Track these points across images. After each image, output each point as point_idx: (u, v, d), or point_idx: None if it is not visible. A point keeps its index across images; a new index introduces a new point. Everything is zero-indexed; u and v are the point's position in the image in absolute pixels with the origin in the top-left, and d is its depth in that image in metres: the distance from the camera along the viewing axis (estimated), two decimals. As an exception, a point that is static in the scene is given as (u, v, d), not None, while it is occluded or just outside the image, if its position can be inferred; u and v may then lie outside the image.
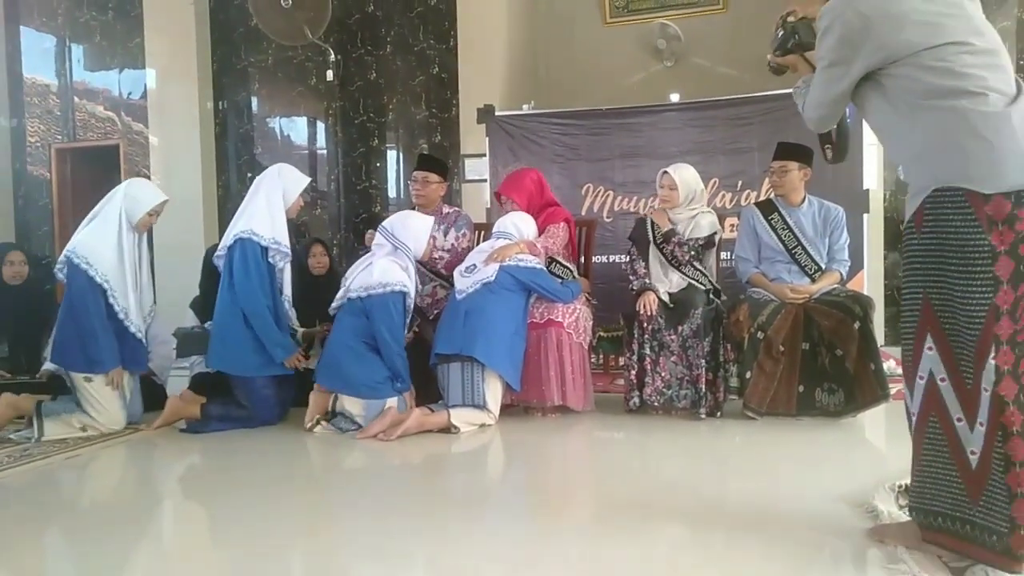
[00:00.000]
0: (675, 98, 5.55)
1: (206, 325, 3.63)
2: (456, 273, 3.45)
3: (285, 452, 3.02)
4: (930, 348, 1.62)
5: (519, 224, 3.54)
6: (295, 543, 2.00)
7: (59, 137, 7.42)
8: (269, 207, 3.34)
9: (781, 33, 1.95)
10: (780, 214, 3.46)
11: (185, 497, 2.67)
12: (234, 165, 7.09)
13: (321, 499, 2.49)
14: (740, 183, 4.84)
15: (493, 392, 3.20)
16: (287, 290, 3.41)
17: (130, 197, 3.27)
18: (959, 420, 1.59)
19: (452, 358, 3.22)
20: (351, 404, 3.19)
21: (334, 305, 3.31)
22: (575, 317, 3.42)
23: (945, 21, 1.64)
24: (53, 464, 2.82)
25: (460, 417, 3.13)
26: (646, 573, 1.76)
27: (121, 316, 3.19)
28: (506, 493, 2.58)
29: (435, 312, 3.67)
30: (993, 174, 1.55)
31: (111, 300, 3.14)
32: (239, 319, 3.25)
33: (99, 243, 3.16)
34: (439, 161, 4.08)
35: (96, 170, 7.48)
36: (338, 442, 3.11)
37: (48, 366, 3.34)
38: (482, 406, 3.17)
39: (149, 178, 6.90)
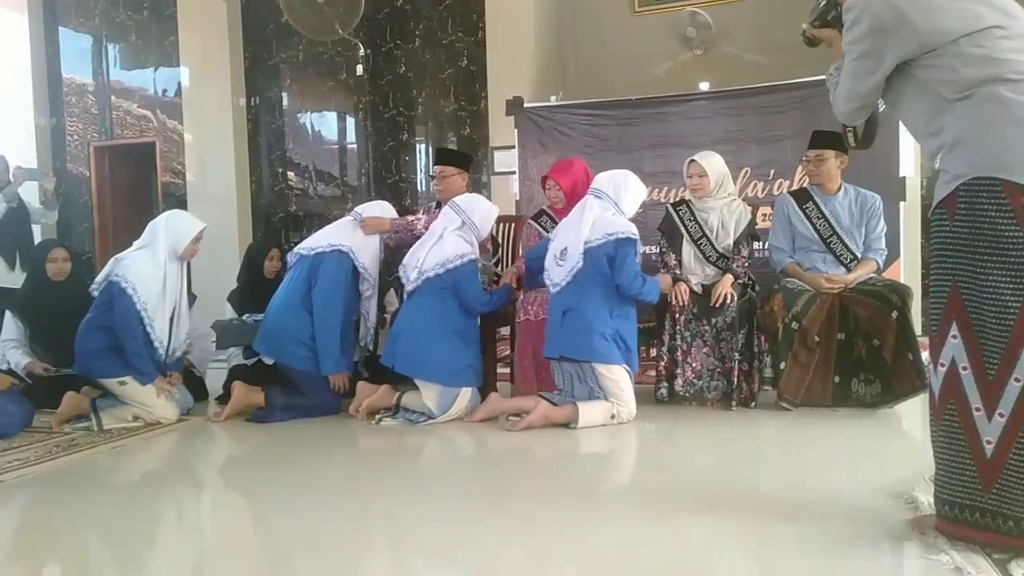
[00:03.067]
0: (705, 87, 5.49)
1: (244, 317, 3.71)
2: (550, 263, 3.16)
3: (346, 441, 3.07)
4: (954, 336, 1.61)
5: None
6: (342, 540, 2.03)
7: (97, 135, 7.58)
8: (366, 237, 3.48)
9: (824, 3, 1.90)
10: (815, 203, 3.42)
11: (227, 487, 2.73)
12: (267, 160, 7.19)
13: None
14: (772, 172, 4.78)
15: (614, 383, 3.02)
16: (373, 318, 3.52)
17: (172, 229, 3.38)
18: (977, 410, 1.59)
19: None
20: (416, 398, 3.15)
21: (409, 287, 3.26)
22: None
23: (978, 7, 1.61)
24: (99, 453, 2.90)
25: (587, 412, 3.01)
26: (680, 564, 1.76)
27: (156, 345, 3.29)
28: (533, 483, 2.58)
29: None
30: None
31: (148, 328, 3.24)
32: (302, 315, 3.33)
33: (147, 273, 3.26)
34: (454, 152, 4.07)
35: (133, 167, 7.67)
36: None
37: None
38: (602, 398, 3.04)
39: (184, 175, 7.06)
